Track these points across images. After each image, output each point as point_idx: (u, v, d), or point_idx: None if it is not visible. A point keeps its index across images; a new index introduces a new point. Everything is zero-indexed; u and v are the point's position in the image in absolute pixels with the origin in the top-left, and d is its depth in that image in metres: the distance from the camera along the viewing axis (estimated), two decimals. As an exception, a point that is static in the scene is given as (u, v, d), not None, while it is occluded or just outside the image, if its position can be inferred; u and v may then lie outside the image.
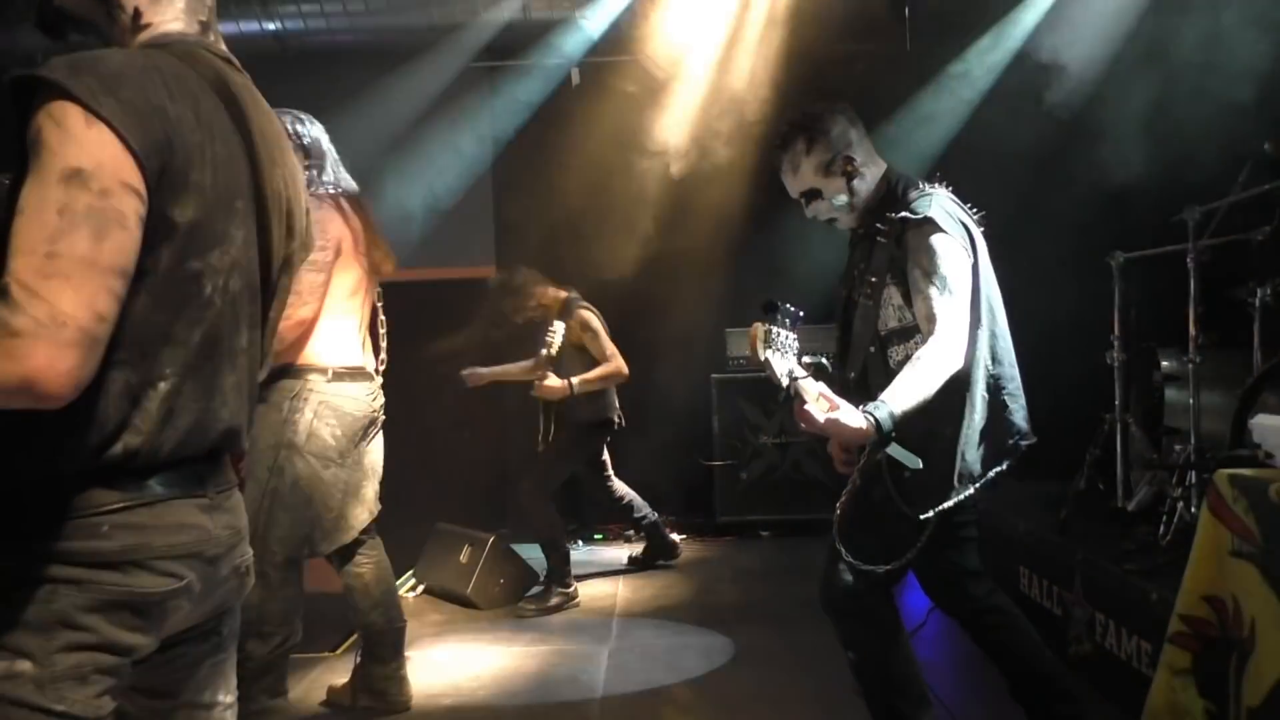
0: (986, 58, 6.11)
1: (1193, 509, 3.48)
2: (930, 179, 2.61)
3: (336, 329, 3.26)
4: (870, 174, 2.62)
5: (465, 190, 6.67)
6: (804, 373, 2.26)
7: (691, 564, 5.69)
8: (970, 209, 2.59)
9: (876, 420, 2.23)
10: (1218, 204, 3.89)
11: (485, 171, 6.77)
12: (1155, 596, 3.00)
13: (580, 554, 5.95)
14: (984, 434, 2.45)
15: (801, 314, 2.36)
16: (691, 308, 6.31)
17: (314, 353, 3.20)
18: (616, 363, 5.01)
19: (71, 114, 1.12)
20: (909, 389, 2.29)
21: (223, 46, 1.40)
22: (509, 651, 4.26)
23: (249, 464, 3.17)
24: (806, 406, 2.22)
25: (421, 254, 6.58)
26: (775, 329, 2.28)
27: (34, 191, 1.10)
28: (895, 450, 2.29)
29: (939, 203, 2.48)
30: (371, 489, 3.41)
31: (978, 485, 2.44)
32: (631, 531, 6.34)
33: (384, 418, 3.44)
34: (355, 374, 3.28)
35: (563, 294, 5.14)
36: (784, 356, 2.27)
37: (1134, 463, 4.29)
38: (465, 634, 4.57)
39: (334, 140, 3.35)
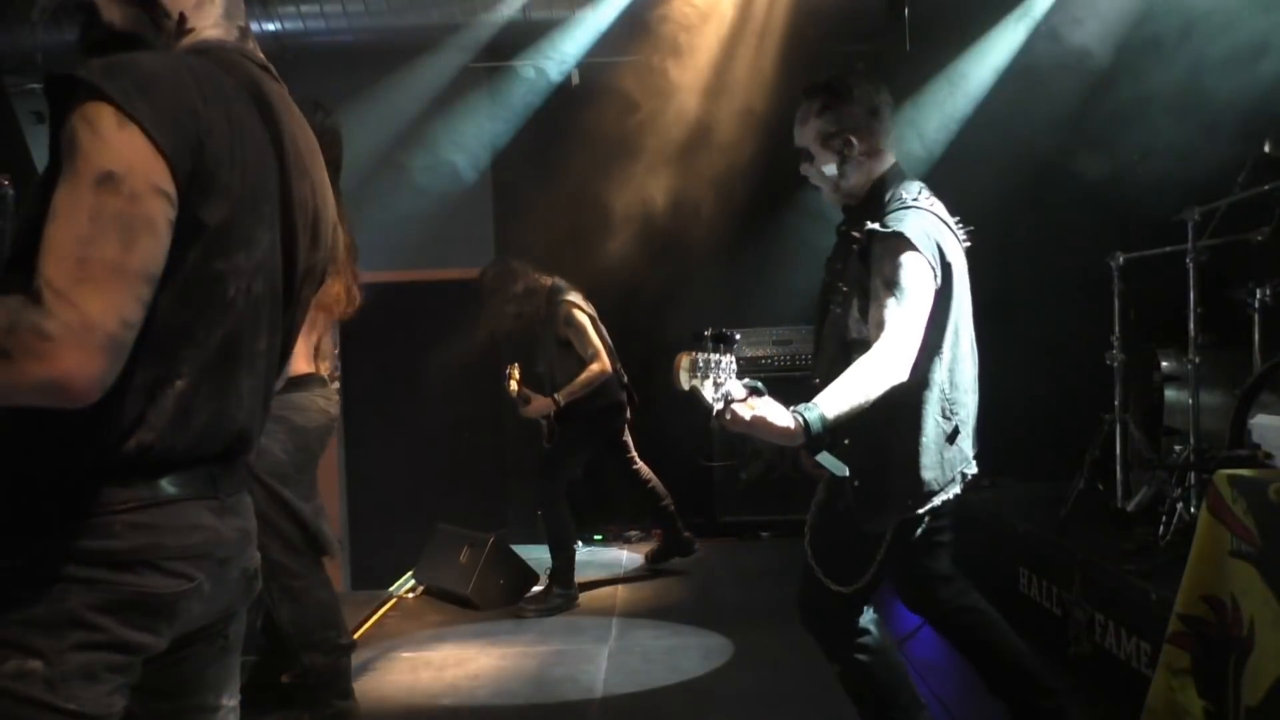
0: (985, 58, 6.12)
1: (1192, 509, 3.49)
2: (926, 185, 2.55)
3: None
4: (868, 166, 2.54)
5: (465, 190, 6.68)
6: (743, 394, 2.15)
7: (691, 564, 5.68)
8: (958, 224, 2.53)
9: (805, 421, 2.14)
10: (1218, 204, 3.89)
11: (485, 172, 6.77)
12: (1155, 597, 3.01)
13: (580, 554, 5.94)
14: (932, 456, 2.41)
15: (737, 336, 2.29)
16: (692, 308, 6.30)
17: None
18: (599, 364, 4.84)
19: (105, 115, 1.14)
20: (843, 393, 2.22)
21: (260, 54, 1.42)
22: (509, 652, 4.27)
23: None
24: (733, 405, 2.13)
25: (421, 254, 6.59)
26: (702, 356, 2.18)
27: (67, 195, 1.13)
28: (824, 458, 2.20)
29: (917, 220, 2.41)
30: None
31: (926, 507, 2.42)
32: (632, 532, 6.34)
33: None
34: (300, 382, 3.13)
35: (547, 282, 4.95)
36: (717, 383, 2.16)
37: (1134, 463, 4.29)
38: (465, 634, 4.57)
39: (333, 140, 3.33)
